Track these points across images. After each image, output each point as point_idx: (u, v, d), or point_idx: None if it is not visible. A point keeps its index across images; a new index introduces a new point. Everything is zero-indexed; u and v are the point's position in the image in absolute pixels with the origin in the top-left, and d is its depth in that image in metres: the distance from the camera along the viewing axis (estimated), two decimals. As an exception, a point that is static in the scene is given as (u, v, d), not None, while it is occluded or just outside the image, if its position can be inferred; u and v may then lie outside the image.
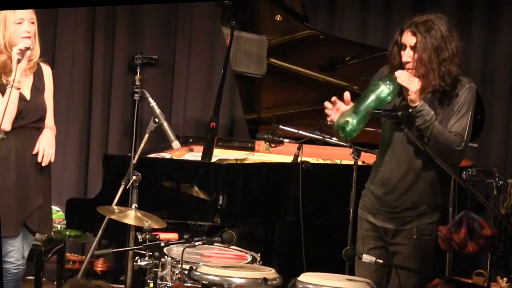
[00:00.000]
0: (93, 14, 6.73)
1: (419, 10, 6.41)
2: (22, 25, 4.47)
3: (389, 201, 4.08)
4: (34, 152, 4.49)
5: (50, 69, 4.70)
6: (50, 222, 4.67)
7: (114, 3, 6.30)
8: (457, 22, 6.43)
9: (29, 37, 4.47)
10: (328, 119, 3.99)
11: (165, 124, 4.39)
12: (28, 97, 4.52)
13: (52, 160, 4.54)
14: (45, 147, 4.52)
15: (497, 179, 5.73)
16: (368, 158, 4.78)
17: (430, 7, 6.46)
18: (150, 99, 4.43)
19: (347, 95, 3.98)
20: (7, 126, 4.44)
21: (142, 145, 4.41)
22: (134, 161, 4.36)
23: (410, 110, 3.87)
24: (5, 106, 4.41)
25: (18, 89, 4.44)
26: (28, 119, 4.51)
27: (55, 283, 5.84)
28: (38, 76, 4.60)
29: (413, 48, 3.94)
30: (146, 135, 4.39)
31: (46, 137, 4.55)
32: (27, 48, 4.44)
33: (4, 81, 4.48)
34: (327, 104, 3.97)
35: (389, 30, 6.53)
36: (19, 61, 4.42)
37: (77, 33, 6.70)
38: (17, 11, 4.43)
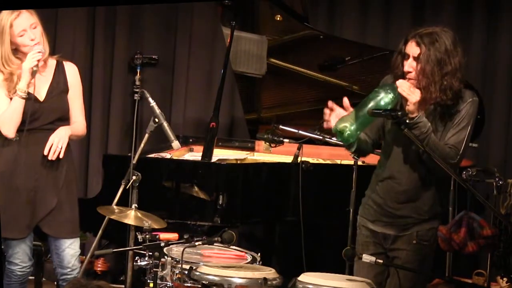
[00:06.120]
0: (93, 14, 6.73)
1: (419, 11, 6.44)
2: (25, 35, 4.41)
3: (390, 209, 4.07)
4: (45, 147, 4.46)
5: (75, 67, 4.64)
6: (68, 225, 4.57)
7: (114, 3, 6.30)
8: (457, 22, 6.45)
9: (37, 43, 4.43)
10: (325, 125, 3.99)
11: (165, 124, 4.38)
12: (42, 98, 4.47)
13: (61, 156, 4.47)
14: (55, 140, 4.45)
15: (497, 179, 5.74)
16: (368, 158, 4.77)
17: (430, 7, 6.47)
18: (150, 99, 4.42)
19: (346, 101, 3.97)
20: (9, 133, 4.42)
21: (142, 145, 4.40)
22: (134, 161, 4.36)
23: (407, 121, 3.86)
24: (6, 113, 4.39)
25: (24, 98, 4.39)
26: (43, 120, 4.46)
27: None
28: (58, 75, 4.54)
29: (416, 58, 3.91)
30: (146, 135, 4.39)
31: (59, 133, 4.48)
32: (41, 56, 4.40)
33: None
34: (325, 110, 3.98)
35: (389, 30, 6.54)
36: (34, 73, 4.38)
37: (77, 33, 6.70)
38: (16, 23, 4.38)
